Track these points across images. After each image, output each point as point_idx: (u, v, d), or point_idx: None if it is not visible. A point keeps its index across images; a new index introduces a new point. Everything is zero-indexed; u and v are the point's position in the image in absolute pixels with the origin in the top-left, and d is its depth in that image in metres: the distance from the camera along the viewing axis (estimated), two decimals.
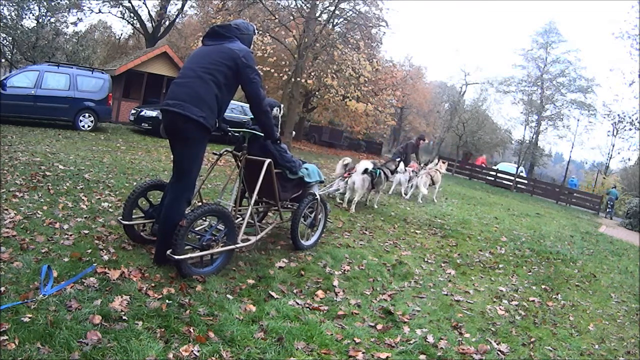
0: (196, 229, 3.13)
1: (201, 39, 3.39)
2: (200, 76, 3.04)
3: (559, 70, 29.36)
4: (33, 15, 17.32)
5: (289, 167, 3.96)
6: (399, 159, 8.31)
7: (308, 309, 2.97)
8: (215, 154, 4.03)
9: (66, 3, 18.61)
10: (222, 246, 3.23)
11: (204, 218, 3.26)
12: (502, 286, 4.35)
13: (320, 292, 3.28)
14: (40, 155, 6.78)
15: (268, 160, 3.63)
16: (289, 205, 4.33)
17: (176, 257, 2.94)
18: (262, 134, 3.59)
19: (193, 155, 3.14)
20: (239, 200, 3.87)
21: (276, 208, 4.11)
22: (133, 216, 3.56)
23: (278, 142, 3.78)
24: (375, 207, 6.73)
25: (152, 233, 3.56)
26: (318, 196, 4.32)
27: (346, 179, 6.55)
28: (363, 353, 2.52)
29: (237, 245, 3.36)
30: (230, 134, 3.65)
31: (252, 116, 3.58)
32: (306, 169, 4.25)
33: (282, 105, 4.21)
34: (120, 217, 3.54)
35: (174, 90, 3.11)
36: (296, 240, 4.13)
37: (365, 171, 6.08)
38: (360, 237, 5.20)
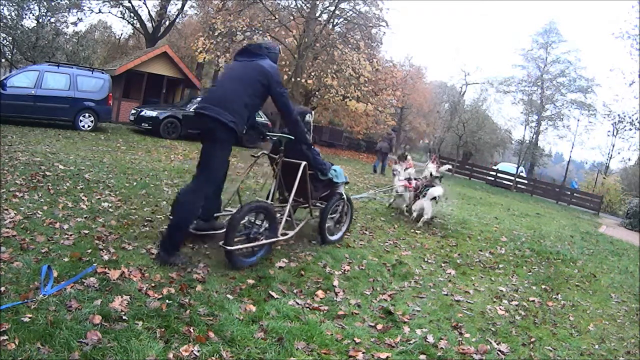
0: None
1: (234, 55, 3.79)
2: (233, 86, 3.40)
3: (559, 70, 29.32)
4: (33, 15, 17.31)
5: (320, 169, 4.30)
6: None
7: (308, 309, 2.97)
8: (254, 157, 4.34)
9: (66, 3, 18.59)
10: (265, 239, 3.58)
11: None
12: (502, 286, 4.35)
13: (320, 292, 3.28)
14: (40, 155, 6.78)
15: (304, 163, 3.97)
16: (317, 204, 4.63)
17: (228, 248, 3.25)
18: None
19: (220, 155, 3.41)
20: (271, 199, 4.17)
21: (305, 206, 4.46)
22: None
23: (311, 146, 4.15)
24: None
25: (196, 228, 3.80)
26: (345, 196, 4.69)
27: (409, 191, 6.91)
28: (363, 353, 2.52)
29: (278, 238, 3.75)
30: (267, 138, 4.12)
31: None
32: (334, 170, 4.57)
33: (312, 113, 4.52)
34: (169, 214, 3.91)
35: (210, 96, 3.50)
36: (324, 235, 4.47)
37: (434, 198, 6.48)
38: (360, 237, 5.20)
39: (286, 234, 3.90)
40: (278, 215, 3.87)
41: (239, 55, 3.66)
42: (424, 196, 6.41)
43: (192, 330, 2.38)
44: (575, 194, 21.59)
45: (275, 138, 4.10)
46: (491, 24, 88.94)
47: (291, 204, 3.99)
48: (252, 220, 3.64)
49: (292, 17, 16.28)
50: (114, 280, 2.79)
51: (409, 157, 8.50)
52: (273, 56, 3.65)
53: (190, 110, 13.27)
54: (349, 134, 26.90)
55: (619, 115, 26.01)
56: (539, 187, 22.10)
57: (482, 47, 76.06)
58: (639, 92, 22.45)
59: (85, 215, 4.10)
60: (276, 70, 3.55)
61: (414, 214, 6.52)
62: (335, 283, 3.53)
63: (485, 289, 4.16)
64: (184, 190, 3.44)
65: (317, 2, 15.81)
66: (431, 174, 6.94)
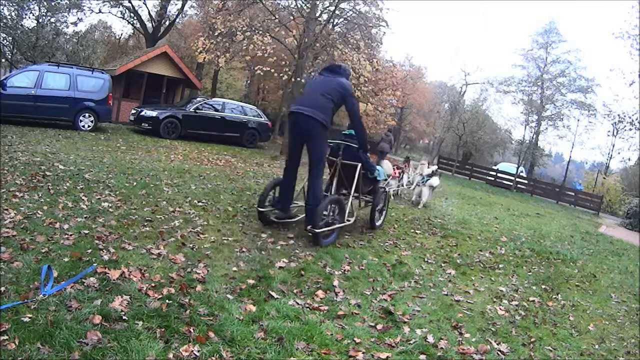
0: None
1: (320, 71, 4.98)
2: (323, 94, 4.49)
3: (559, 70, 29.25)
4: (33, 15, 17.29)
5: (370, 169, 5.32)
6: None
7: (308, 309, 2.97)
8: None
9: (66, 3, 18.57)
10: (338, 223, 4.64)
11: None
12: (502, 286, 4.35)
13: (320, 292, 3.28)
14: (40, 155, 6.78)
15: (360, 165, 5.08)
16: (362, 197, 5.65)
17: (317, 230, 4.24)
18: (354, 145, 5.06)
19: (319, 146, 4.51)
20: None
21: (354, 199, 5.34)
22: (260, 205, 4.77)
23: (366, 152, 5.20)
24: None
25: (277, 217, 4.85)
26: (387, 190, 5.79)
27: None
28: (363, 353, 2.52)
29: (345, 223, 4.84)
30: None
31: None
32: (378, 170, 5.50)
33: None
34: (256, 205, 4.85)
35: (304, 100, 4.59)
36: (373, 221, 5.57)
37: (433, 187, 8.57)
38: (360, 237, 5.20)
39: (349, 220, 4.93)
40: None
41: (324, 71, 4.86)
42: (424, 184, 8.31)
43: (192, 330, 2.38)
44: (575, 194, 21.59)
45: (332, 144, 5.14)
46: (491, 24, 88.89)
47: (332, 196, 4.87)
48: (328, 211, 4.52)
49: (292, 17, 16.26)
50: (114, 280, 2.79)
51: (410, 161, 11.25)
52: (347, 76, 4.86)
53: (191, 110, 13.29)
54: None
55: (619, 115, 25.96)
56: (539, 187, 22.08)
57: (482, 47, 76.01)
58: (639, 92, 22.42)
59: (85, 215, 4.10)
60: (350, 86, 4.75)
61: (414, 197, 8.44)
62: (335, 283, 3.53)
63: (485, 289, 4.16)
64: (286, 184, 4.73)
65: (317, 2, 15.79)
66: (425, 171, 9.35)
